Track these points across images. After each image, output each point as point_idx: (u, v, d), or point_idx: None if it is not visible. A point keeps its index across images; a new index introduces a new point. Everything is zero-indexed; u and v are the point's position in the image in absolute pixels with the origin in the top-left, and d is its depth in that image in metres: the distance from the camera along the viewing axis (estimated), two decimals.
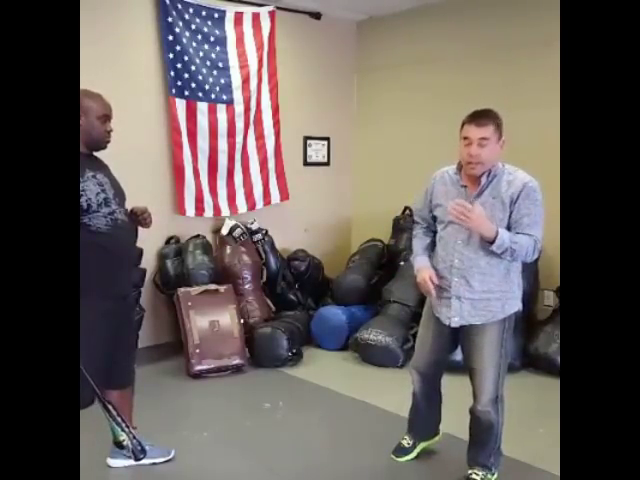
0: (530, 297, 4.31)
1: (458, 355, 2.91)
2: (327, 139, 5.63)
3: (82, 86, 2.12)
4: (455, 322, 2.55)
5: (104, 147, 2.57)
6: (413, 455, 2.92)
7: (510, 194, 2.41)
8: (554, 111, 2.27)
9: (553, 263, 4.30)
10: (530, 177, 2.46)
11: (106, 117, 2.52)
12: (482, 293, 2.49)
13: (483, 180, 2.46)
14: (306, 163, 5.53)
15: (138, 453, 2.46)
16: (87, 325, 1.99)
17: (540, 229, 2.44)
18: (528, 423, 3.29)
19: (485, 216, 2.36)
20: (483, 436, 2.60)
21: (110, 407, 2.39)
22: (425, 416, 2.89)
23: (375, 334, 4.23)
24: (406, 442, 2.93)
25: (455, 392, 2.87)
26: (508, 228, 2.43)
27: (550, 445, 2.78)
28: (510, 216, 2.42)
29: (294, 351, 4.24)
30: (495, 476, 2.63)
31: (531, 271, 4.30)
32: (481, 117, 2.42)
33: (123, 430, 2.42)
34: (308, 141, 5.50)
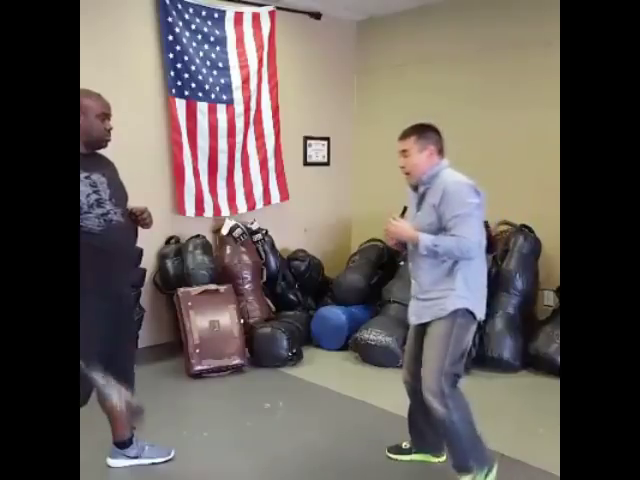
0: (530, 297, 4.32)
1: None
2: (327, 139, 5.63)
3: (82, 86, 2.11)
4: (413, 320, 2.71)
5: (105, 145, 2.57)
6: (406, 458, 2.91)
7: (434, 200, 2.54)
8: (554, 111, 2.27)
9: (553, 263, 4.30)
10: (456, 180, 2.54)
11: (105, 115, 2.52)
12: (428, 292, 2.61)
13: (420, 188, 2.64)
14: (306, 163, 5.53)
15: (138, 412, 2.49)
16: (85, 325, 1.98)
17: (469, 227, 2.47)
18: (528, 423, 3.28)
19: (403, 226, 2.60)
20: (443, 433, 2.61)
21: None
22: (417, 417, 2.84)
23: (375, 334, 4.23)
24: (404, 444, 2.94)
25: None
26: (443, 230, 2.51)
27: (550, 445, 2.78)
28: (441, 220, 2.52)
29: (294, 351, 4.24)
30: (487, 473, 2.56)
31: (531, 271, 4.31)
32: (404, 132, 2.72)
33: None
34: (308, 141, 5.50)
